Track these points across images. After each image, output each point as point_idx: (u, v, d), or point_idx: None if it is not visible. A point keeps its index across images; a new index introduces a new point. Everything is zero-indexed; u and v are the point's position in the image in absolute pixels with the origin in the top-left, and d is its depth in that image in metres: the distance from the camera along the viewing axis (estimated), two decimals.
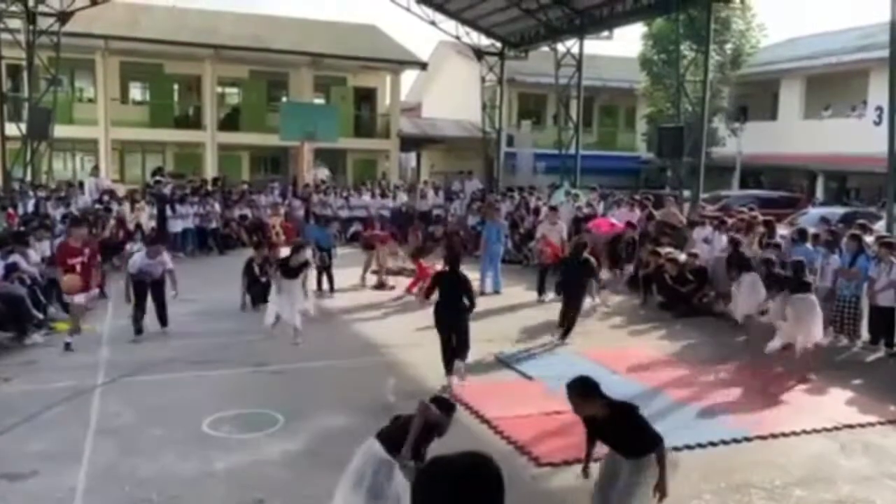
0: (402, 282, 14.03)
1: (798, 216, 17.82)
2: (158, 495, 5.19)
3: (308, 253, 10.81)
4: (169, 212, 16.93)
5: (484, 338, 9.85)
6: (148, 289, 9.67)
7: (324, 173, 24.15)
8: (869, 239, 10.45)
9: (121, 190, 19.30)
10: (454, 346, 7.85)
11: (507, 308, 12.02)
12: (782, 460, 6.07)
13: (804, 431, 6.66)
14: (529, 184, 23.15)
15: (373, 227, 15.75)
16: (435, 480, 1.77)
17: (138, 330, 9.56)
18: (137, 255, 9.96)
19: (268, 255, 11.64)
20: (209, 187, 19.53)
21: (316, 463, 5.82)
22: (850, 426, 6.86)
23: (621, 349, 9.63)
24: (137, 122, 26.02)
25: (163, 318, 9.89)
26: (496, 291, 13.18)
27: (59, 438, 6.21)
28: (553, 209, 14.48)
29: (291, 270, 9.96)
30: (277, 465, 5.77)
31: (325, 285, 12.91)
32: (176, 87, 28.10)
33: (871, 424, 6.92)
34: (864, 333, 9.94)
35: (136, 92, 28.07)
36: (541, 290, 12.69)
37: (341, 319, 10.95)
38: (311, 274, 11.94)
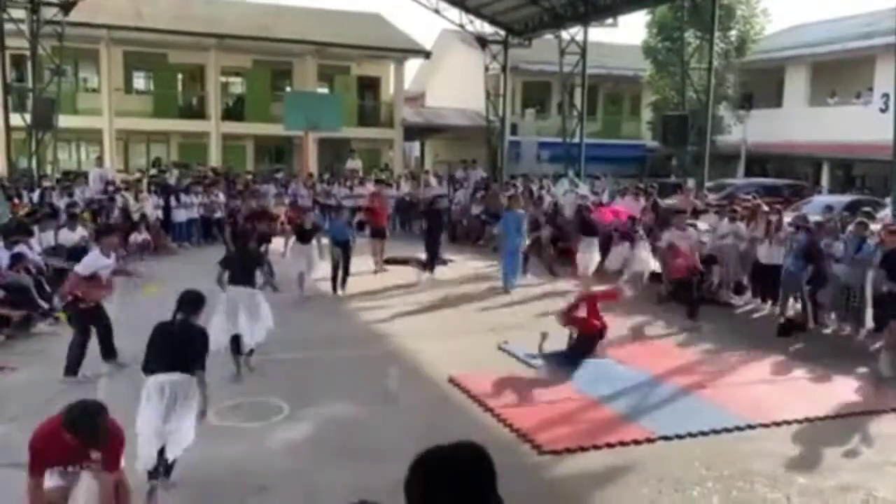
0: (408, 271, 14.00)
1: (802, 204, 17.78)
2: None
3: (313, 216, 12.31)
4: (173, 202, 16.97)
5: (488, 327, 9.89)
6: (93, 317, 7.70)
7: (357, 164, 24.20)
8: (873, 227, 10.42)
9: (118, 178, 19.26)
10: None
11: (511, 298, 12.02)
12: (785, 448, 6.08)
13: (807, 419, 6.67)
14: (540, 173, 23.06)
15: (377, 205, 14.82)
16: (428, 471, 1.78)
17: (73, 368, 7.41)
18: (90, 256, 7.89)
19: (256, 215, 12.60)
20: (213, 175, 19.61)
21: (320, 451, 5.86)
22: (854, 414, 6.87)
23: (626, 338, 9.63)
24: (142, 112, 26.02)
25: (109, 348, 7.86)
26: (506, 289, 12.33)
27: None
28: (679, 212, 11.77)
29: (305, 234, 11.44)
30: (281, 454, 5.81)
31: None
32: (180, 76, 28.08)
33: (875, 412, 6.93)
34: (869, 321, 9.92)
35: (139, 82, 28.05)
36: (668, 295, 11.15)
37: (346, 308, 10.97)
38: (322, 264, 11.99)
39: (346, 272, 12.00)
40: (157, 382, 4.96)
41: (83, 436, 3.82)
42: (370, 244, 14.12)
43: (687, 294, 10.45)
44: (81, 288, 7.56)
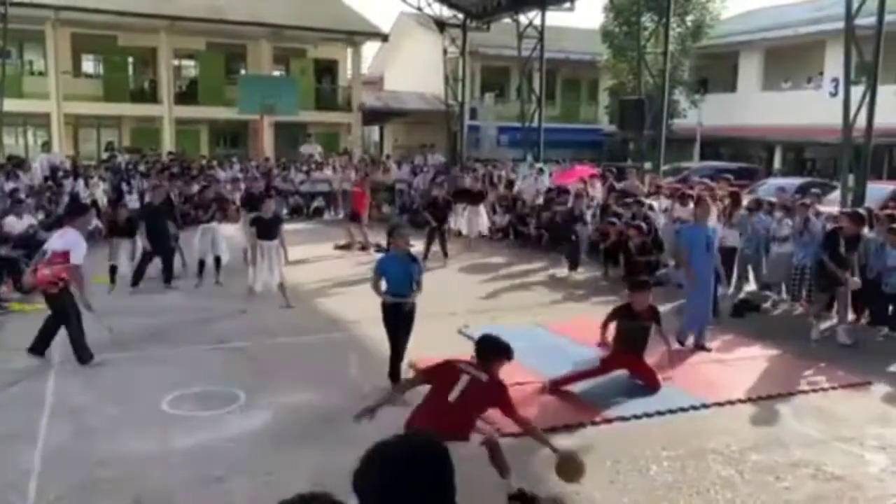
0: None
1: (757, 187, 18.12)
2: (116, 475, 5.11)
3: (273, 204, 10.23)
4: (125, 187, 16.58)
5: (447, 312, 9.86)
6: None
7: (315, 149, 23.82)
8: (824, 209, 10.68)
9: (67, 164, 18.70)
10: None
11: (470, 282, 12.03)
12: (738, 426, 6.21)
13: (759, 398, 6.81)
14: (499, 157, 23.11)
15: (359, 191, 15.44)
16: (372, 466, 1.73)
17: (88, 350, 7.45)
18: (80, 242, 7.33)
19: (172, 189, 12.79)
20: (165, 161, 19.20)
21: (276, 439, 5.80)
22: (803, 392, 7.05)
23: (584, 320, 9.69)
24: (91, 97, 25.31)
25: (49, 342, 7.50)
26: (701, 346, 8.26)
27: (13, 419, 6.09)
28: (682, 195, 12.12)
29: (267, 226, 9.60)
30: (238, 442, 5.72)
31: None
32: (131, 59, 27.38)
33: (823, 390, 7.11)
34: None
35: (89, 65, 27.31)
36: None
37: (303, 295, 10.85)
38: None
39: (400, 354, 7.11)
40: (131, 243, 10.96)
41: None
42: (345, 226, 15.07)
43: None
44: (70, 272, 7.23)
